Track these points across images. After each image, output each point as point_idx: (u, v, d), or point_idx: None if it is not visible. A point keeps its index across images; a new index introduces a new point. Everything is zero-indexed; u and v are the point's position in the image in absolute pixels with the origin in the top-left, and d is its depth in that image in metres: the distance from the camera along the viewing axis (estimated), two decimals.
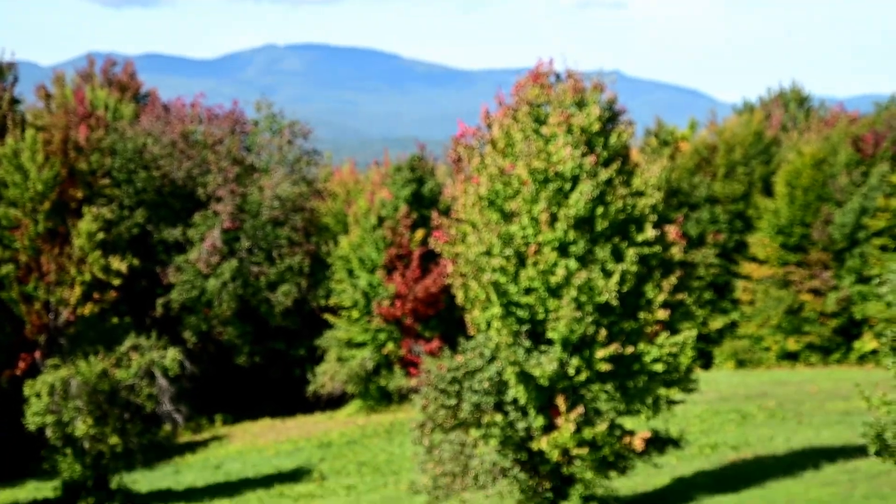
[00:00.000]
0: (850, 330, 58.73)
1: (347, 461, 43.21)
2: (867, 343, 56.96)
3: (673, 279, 26.60)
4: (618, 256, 26.05)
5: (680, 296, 27.04)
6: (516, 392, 26.48)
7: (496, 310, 26.11)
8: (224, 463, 46.37)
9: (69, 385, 35.88)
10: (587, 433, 25.82)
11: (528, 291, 26.21)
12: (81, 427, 35.20)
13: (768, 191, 63.76)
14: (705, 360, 62.22)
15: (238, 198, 59.29)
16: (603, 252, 25.92)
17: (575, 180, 25.98)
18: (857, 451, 31.32)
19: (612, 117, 27.26)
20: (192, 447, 51.49)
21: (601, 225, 25.92)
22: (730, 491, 29.50)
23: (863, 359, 57.48)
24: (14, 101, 57.17)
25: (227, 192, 58.97)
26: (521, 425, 26.89)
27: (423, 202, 55.97)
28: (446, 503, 28.40)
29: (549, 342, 26.47)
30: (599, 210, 25.78)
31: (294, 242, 60.88)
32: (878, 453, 23.56)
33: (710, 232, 63.92)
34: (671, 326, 27.07)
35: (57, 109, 63.71)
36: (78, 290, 43.02)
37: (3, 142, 45.42)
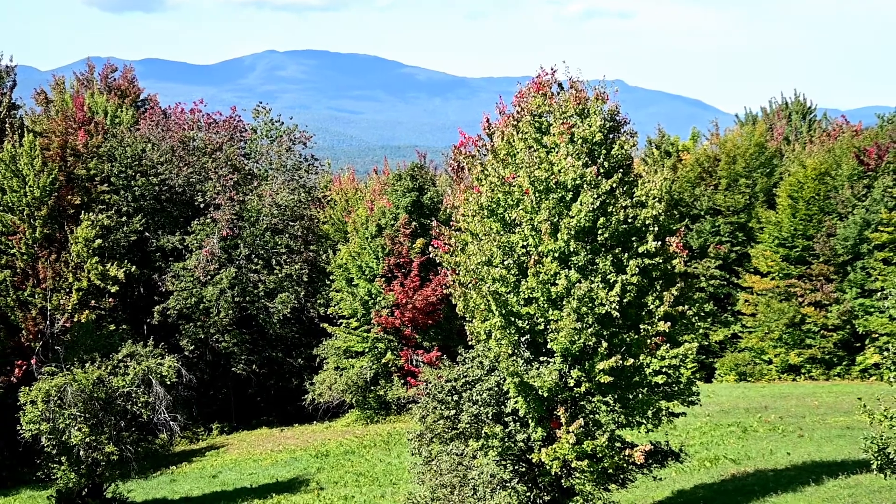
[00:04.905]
0: (852, 343, 58.44)
1: (345, 471, 42.94)
2: (870, 357, 56.67)
3: (674, 291, 26.38)
4: (619, 267, 25.82)
5: (681, 308, 26.81)
6: (516, 403, 26.22)
7: (496, 320, 25.87)
8: (221, 472, 46.07)
9: (65, 393, 35.59)
10: (587, 445, 25.55)
11: (528, 302, 25.97)
12: (77, 435, 34.91)
13: (771, 203, 63.56)
14: (706, 373, 61.98)
15: (237, 205, 59.06)
16: (604, 263, 25.69)
17: (577, 190, 25.76)
18: (858, 466, 31.12)
19: (614, 127, 27.04)
20: (188, 456, 51.18)
21: (603, 235, 25.70)
22: None
23: (865, 373, 57.19)
24: (13, 106, 57.16)
25: (226, 199, 58.74)
26: (520, 437, 26.67)
27: (424, 211, 55.74)
28: None
29: (550, 353, 26.23)
30: (601, 221, 25.55)
31: (293, 250, 60.67)
32: (880, 469, 23.33)
33: (711, 243, 63.70)
34: (672, 338, 26.87)
35: (56, 115, 63.72)
36: (75, 297, 42.78)
37: (0, 147, 45.21)
